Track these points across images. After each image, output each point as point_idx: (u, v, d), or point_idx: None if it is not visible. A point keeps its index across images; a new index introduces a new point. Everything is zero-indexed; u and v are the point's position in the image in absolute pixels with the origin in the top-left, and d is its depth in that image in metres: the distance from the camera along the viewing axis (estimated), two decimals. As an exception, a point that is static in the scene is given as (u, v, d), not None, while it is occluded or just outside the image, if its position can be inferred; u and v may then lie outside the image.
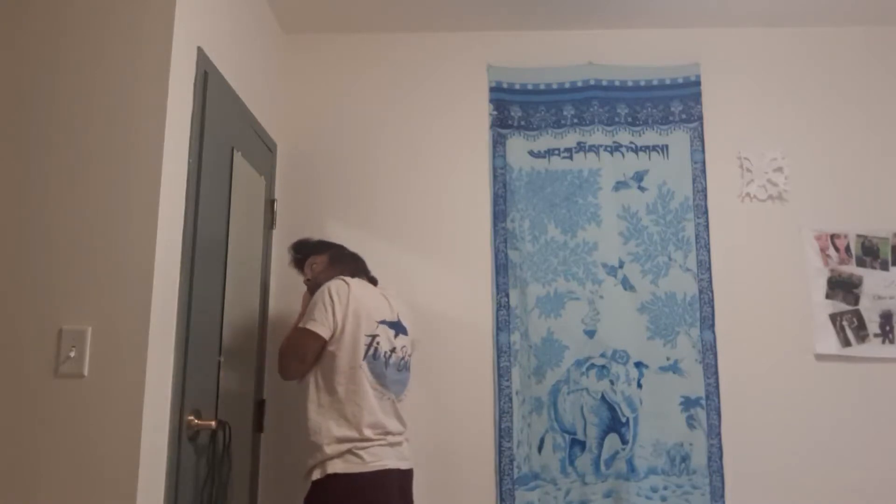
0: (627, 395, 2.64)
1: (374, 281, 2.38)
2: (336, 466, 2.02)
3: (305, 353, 2.12)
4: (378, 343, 2.16)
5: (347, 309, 2.12)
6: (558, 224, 2.77)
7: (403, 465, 2.15)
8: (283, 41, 2.91)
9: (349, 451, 2.04)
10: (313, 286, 2.29)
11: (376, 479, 2.05)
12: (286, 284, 2.71)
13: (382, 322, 2.20)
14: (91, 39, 1.83)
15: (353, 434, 2.05)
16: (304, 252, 2.41)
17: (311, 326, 2.10)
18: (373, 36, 2.92)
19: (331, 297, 2.12)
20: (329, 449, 2.03)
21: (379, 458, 2.06)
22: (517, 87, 2.88)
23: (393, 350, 2.19)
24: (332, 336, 2.10)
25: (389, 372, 2.17)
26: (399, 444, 2.15)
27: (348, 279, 2.20)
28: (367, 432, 2.06)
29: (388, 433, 2.11)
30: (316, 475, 2.04)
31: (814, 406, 2.64)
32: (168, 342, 1.82)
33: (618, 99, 2.86)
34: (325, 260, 2.35)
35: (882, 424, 2.62)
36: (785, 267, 2.73)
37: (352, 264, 2.36)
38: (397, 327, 2.25)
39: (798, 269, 2.73)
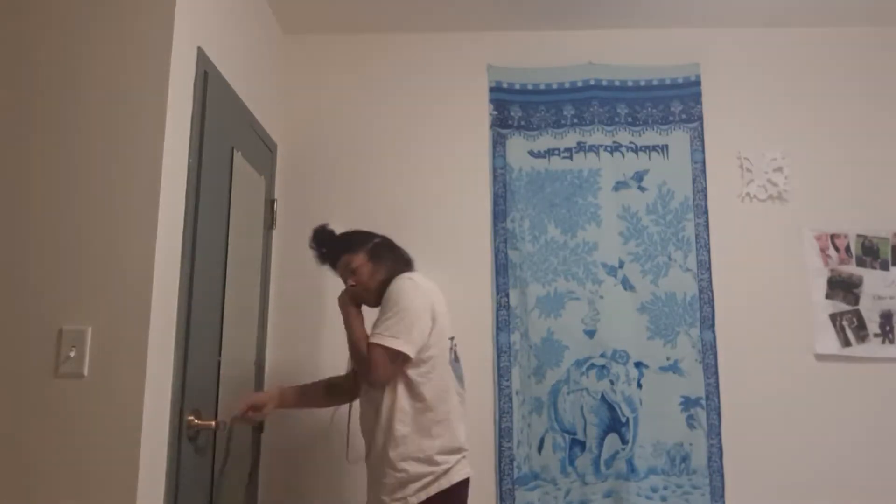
0: (627, 395, 2.64)
1: (411, 261, 2.25)
2: (458, 473, 1.99)
3: (387, 371, 1.95)
4: (455, 344, 2.10)
5: (433, 317, 1.99)
6: (558, 224, 2.77)
7: None
8: (283, 41, 2.91)
9: (462, 456, 2.03)
10: (363, 295, 2.12)
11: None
12: (286, 284, 2.72)
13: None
14: (91, 39, 1.83)
15: (454, 444, 2.02)
16: (329, 247, 2.19)
17: (393, 344, 1.92)
18: (373, 36, 2.92)
19: (409, 309, 1.95)
20: (441, 459, 1.96)
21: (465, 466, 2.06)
22: (517, 87, 2.88)
23: (457, 345, 2.14)
24: (419, 352, 1.97)
25: (462, 371, 2.12)
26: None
27: (415, 276, 2.05)
28: (462, 439, 2.05)
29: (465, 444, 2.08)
30: (436, 488, 1.94)
31: (814, 406, 2.64)
32: (168, 342, 1.82)
33: (618, 99, 2.86)
34: (365, 259, 2.13)
35: (882, 424, 2.63)
36: (785, 267, 2.73)
37: (393, 256, 2.17)
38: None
39: (798, 269, 2.73)
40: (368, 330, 2.06)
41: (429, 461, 1.95)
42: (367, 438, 2.05)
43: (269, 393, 2.23)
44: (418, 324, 1.95)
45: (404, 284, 2.02)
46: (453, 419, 2.02)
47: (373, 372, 1.95)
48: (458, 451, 2.02)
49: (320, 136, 2.86)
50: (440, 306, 2.04)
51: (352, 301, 2.13)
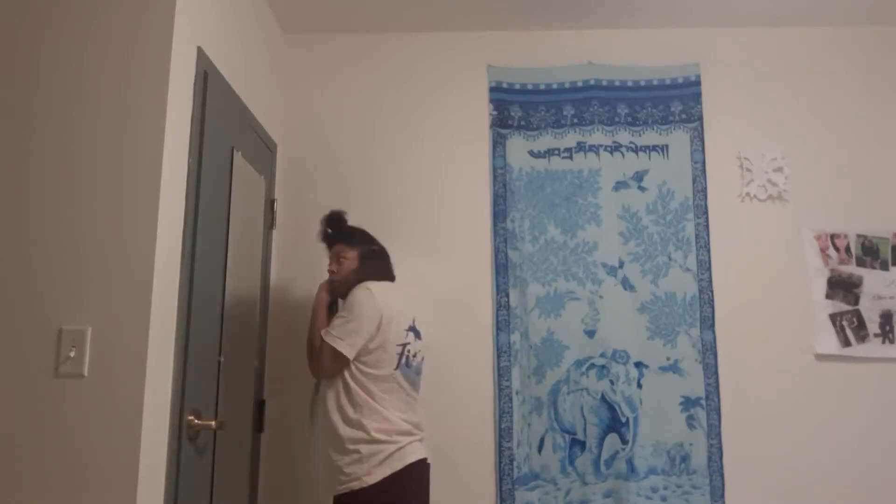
0: (627, 395, 2.64)
1: (393, 278, 2.40)
2: (411, 454, 2.12)
3: (330, 367, 2.16)
4: (408, 351, 2.21)
5: (379, 327, 2.15)
6: (558, 224, 2.77)
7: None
8: (283, 41, 2.91)
9: (417, 439, 2.16)
10: (338, 287, 2.30)
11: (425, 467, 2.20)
12: (286, 284, 2.72)
13: (409, 329, 2.25)
14: (91, 40, 1.83)
15: (402, 427, 2.14)
16: (336, 230, 2.38)
17: (337, 345, 2.13)
18: (373, 36, 2.92)
19: (359, 318, 2.14)
20: (391, 438, 2.10)
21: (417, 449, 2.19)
22: (517, 87, 2.88)
23: (415, 354, 2.26)
24: (357, 354, 2.14)
25: (416, 376, 2.25)
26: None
27: (373, 287, 2.21)
28: (406, 426, 2.15)
29: (418, 427, 2.21)
30: (389, 469, 2.07)
31: (814, 406, 2.64)
32: (168, 342, 1.82)
33: (618, 99, 2.86)
34: (356, 257, 2.32)
35: (882, 424, 2.62)
36: (785, 267, 2.73)
37: (379, 265, 2.35)
38: (416, 332, 2.29)
39: (798, 269, 2.73)
40: None
41: (376, 441, 2.09)
42: (322, 428, 2.18)
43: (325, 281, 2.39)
44: (361, 331, 2.14)
45: (360, 293, 2.19)
46: (403, 410, 2.17)
47: (317, 364, 2.19)
48: (407, 433, 2.14)
49: (320, 136, 2.86)
50: (391, 316, 2.18)
51: (328, 289, 2.34)
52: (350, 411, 2.11)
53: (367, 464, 2.07)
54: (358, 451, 2.07)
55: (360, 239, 2.37)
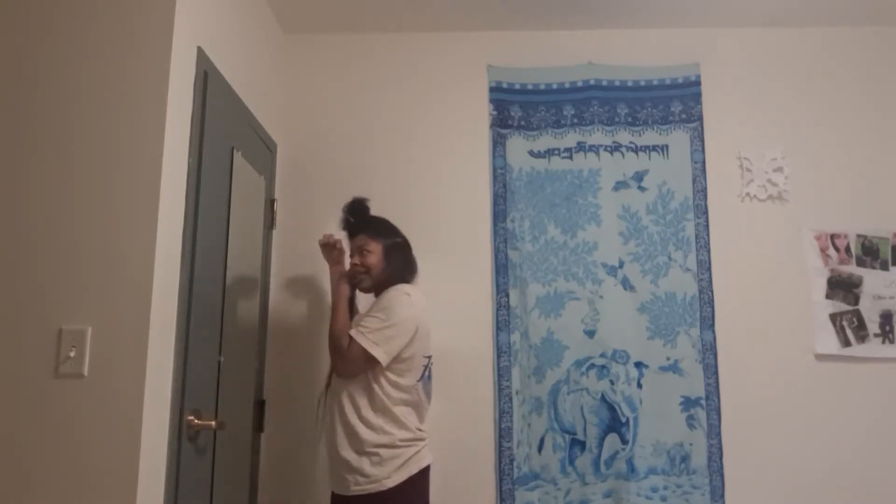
0: (627, 395, 2.64)
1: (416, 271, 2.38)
2: (424, 459, 2.14)
3: (359, 368, 2.12)
4: (431, 363, 2.23)
5: (413, 337, 2.14)
6: (558, 224, 2.77)
7: None
8: (283, 41, 2.91)
9: (426, 444, 2.18)
10: (362, 279, 2.27)
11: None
12: (286, 284, 2.72)
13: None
14: (91, 39, 1.83)
15: (419, 434, 2.16)
16: (358, 219, 2.34)
17: (372, 350, 2.08)
18: (373, 36, 2.92)
19: (397, 325, 2.11)
20: (409, 444, 2.11)
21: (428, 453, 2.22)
22: (517, 87, 2.88)
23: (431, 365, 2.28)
24: (390, 362, 2.13)
25: (431, 388, 2.27)
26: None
27: (412, 294, 2.19)
28: (421, 434, 2.18)
29: (425, 433, 2.23)
30: (406, 473, 2.08)
31: (814, 406, 2.64)
32: (168, 342, 1.82)
33: (618, 99, 2.86)
34: (380, 251, 2.28)
35: (882, 424, 2.62)
36: (785, 267, 2.73)
37: (405, 259, 2.31)
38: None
39: (798, 269, 2.73)
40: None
41: (395, 445, 2.09)
42: (335, 426, 2.14)
43: (341, 268, 2.37)
44: (398, 339, 2.11)
45: (401, 299, 2.17)
46: (415, 418, 2.19)
47: (345, 364, 2.12)
48: (420, 438, 2.17)
49: (320, 136, 2.86)
50: (424, 328, 2.19)
51: (347, 280, 2.30)
52: (371, 415, 2.09)
53: (387, 467, 2.06)
54: (378, 455, 2.06)
55: (385, 231, 2.33)
